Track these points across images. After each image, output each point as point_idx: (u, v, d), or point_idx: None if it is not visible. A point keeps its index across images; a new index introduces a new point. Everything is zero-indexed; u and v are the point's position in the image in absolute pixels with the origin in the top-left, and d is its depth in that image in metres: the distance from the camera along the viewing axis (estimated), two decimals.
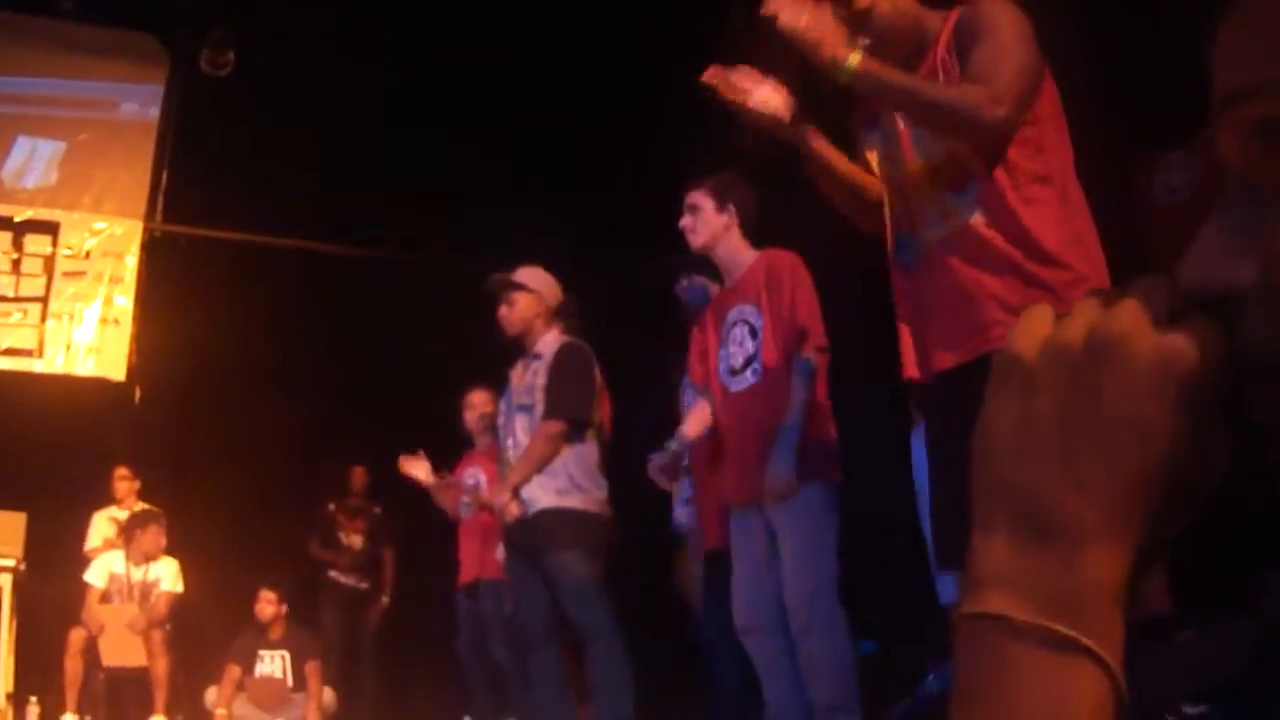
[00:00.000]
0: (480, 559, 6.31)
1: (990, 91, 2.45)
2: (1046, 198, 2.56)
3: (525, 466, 4.62)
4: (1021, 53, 2.50)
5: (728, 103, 2.83)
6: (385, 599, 8.20)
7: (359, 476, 8.45)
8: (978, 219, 2.59)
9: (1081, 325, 0.64)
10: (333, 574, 8.15)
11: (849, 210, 2.97)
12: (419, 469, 6.33)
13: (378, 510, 8.38)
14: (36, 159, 8.79)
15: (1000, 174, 2.55)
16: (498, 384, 5.24)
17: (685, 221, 4.07)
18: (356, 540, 8.30)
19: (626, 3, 7.23)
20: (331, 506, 8.33)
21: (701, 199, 4.04)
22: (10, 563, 7.03)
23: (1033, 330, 0.67)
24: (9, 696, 6.91)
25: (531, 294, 4.84)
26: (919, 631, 4.78)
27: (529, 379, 4.78)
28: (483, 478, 6.30)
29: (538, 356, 4.78)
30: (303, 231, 8.59)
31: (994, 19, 2.54)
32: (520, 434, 4.75)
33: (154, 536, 7.07)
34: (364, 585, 8.21)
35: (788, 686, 3.83)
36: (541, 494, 4.58)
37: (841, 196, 2.95)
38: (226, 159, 8.28)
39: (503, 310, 4.86)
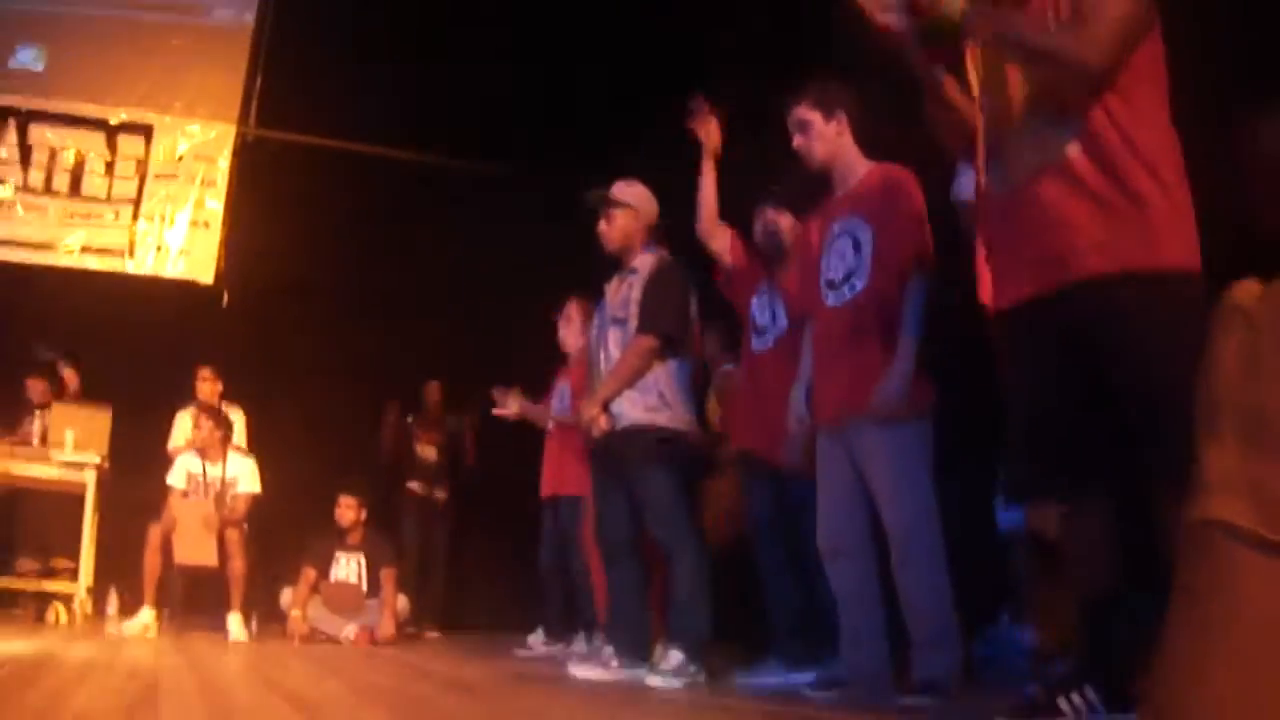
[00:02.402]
0: (561, 473, 6.33)
1: (1092, 41, 2.54)
2: (1142, 140, 2.58)
3: (615, 381, 4.58)
4: (1127, 2, 2.56)
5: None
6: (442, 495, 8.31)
7: (434, 391, 8.50)
8: (1073, 150, 2.61)
9: None
10: (410, 485, 8.25)
11: (945, 128, 2.98)
12: (511, 404, 6.36)
13: (454, 422, 8.44)
14: None
15: (1099, 112, 2.59)
16: (594, 297, 5.20)
17: (797, 141, 3.97)
18: (431, 453, 8.38)
19: None
20: (409, 419, 8.39)
21: (808, 113, 3.92)
22: (95, 459, 7.15)
23: (1248, 286, 0.81)
24: (89, 589, 7.05)
25: (630, 209, 4.78)
26: (986, 568, 4.72)
27: (624, 293, 4.72)
28: (568, 392, 6.30)
29: (634, 271, 4.72)
30: (393, 139, 8.56)
31: None
32: (613, 347, 4.69)
33: (229, 436, 7.13)
34: (440, 496, 8.30)
35: (870, 615, 3.78)
36: (630, 409, 4.55)
37: (941, 115, 2.95)
38: (320, 65, 8.28)
39: (601, 225, 4.81)
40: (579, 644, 6.17)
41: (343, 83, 8.14)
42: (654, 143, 5.55)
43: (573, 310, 6.39)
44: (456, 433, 8.46)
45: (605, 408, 4.57)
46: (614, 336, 4.71)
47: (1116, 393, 2.55)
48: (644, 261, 4.73)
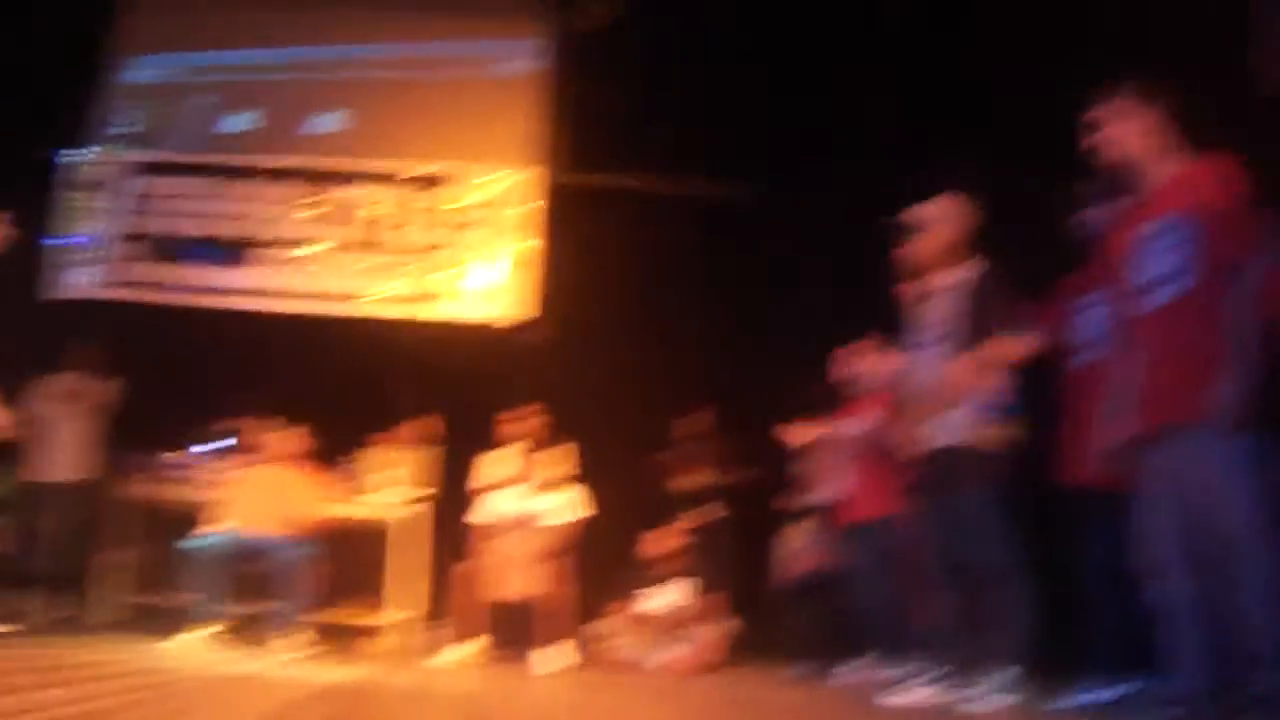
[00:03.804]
0: (869, 497, 6.25)
1: None
2: None
3: (938, 401, 4.50)
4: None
5: None
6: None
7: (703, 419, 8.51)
8: None
9: None
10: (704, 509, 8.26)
11: None
12: (798, 434, 6.34)
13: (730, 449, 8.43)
14: None
15: None
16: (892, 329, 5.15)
17: (1101, 135, 3.81)
18: (707, 476, 8.37)
19: None
20: (690, 447, 8.41)
21: (1118, 110, 3.77)
22: (423, 496, 7.56)
23: None
24: (415, 622, 7.40)
25: (939, 225, 4.72)
26: None
27: (942, 309, 4.64)
28: (864, 423, 6.23)
29: (950, 289, 4.64)
30: (690, 171, 8.68)
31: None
32: (931, 366, 4.62)
33: (554, 468, 7.34)
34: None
35: (1195, 631, 3.56)
36: (953, 428, 4.46)
37: None
38: (616, 108, 8.54)
39: (909, 246, 4.76)
40: (909, 668, 6.05)
41: (637, 123, 8.35)
42: (946, 170, 5.45)
43: (864, 346, 6.30)
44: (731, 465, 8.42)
45: (924, 429, 4.51)
46: (932, 355, 4.63)
47: None
48: (959, 276, 4.64)
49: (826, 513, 6.54)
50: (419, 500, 7.58)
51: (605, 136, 8.68)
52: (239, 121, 9.67)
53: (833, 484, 6.44)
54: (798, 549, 7.03)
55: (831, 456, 6.45)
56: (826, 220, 7.98)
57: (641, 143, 8.52)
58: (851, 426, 6.47)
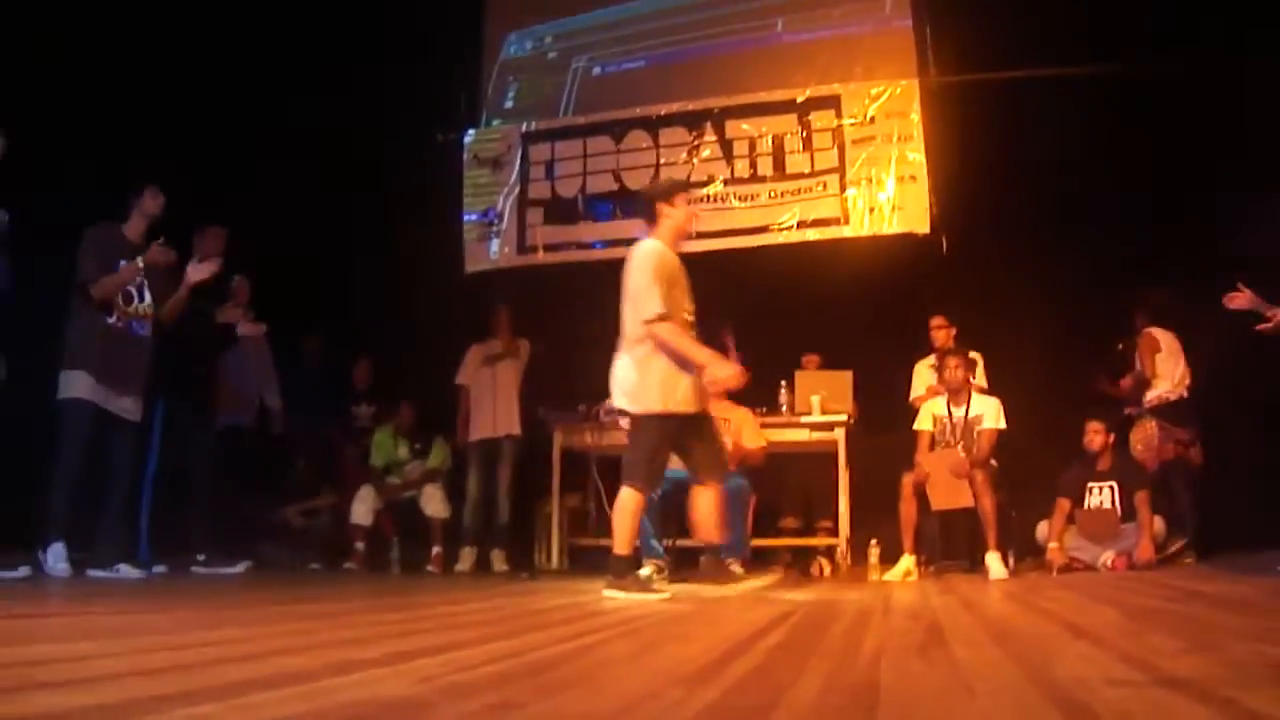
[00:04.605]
0: None
1: None
2: None
3: None
4: None
5: None
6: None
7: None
8: None
9: None
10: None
11: None
12: (1241, 300, 5.88)
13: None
14: None
15: None
16: None
17: None
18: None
19: None
20: (1120, 345, 7.92)
21: None
22: (842, 417, 7.59)
23: None
24: (848, 541, 7.45)
25: None
26: None
27: None
28: None
29: None
30: (1071, 58, 8.19)
31: None
32: None
33: (967, 375, 7.20)
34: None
35: None
36: None
37: None
38: (979, 2, 8.23)
39: None
40: None
41: (1008, 13, 7.97)
42: None
43: None
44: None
45: None
46: None
47: None
48: None
49: None
50: (849, 420, 7.60)
51: (982, 32, 8.35)
52: (619, 76, 9.94)
53: None
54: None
55: None
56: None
57: (1023, 32, 8.10)
58: None
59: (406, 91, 9.27)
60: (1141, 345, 7.67)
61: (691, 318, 5.33)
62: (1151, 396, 7.45)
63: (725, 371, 5.21)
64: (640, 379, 5.16)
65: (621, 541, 5.12)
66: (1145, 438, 7.44)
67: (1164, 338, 7.65)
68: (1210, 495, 7.29)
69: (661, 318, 5.07)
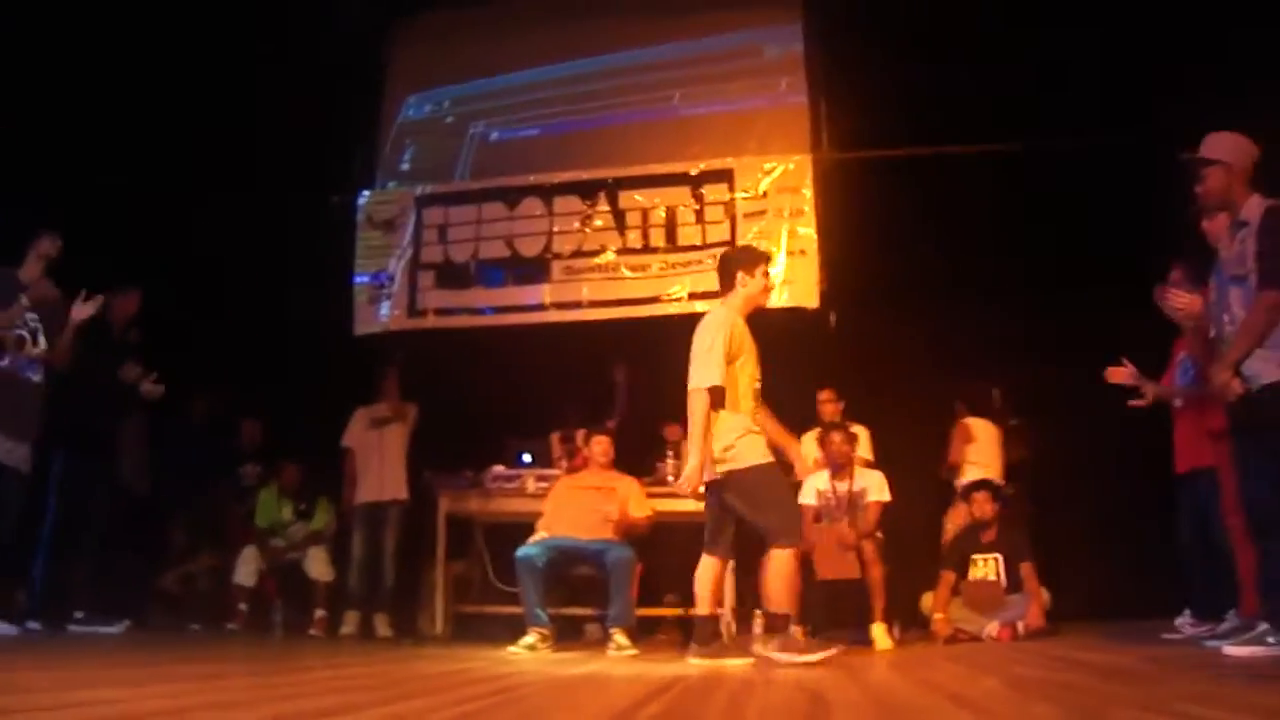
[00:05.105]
0: (1195, 447, 5.96)
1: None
2: None
3: (1244, 341, 4.36)
4: None
5: None
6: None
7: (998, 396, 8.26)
8: None
9: None
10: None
11: None
12: (1122, 375, 6.09)
13: (1014, 423, 8.18)
14: None
15: None
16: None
17: None
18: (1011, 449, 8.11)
19: None
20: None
21: None
22: None
23: None
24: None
25: (1222, 164, 4.53)
26: None
27: (1237, 248, 4.50)
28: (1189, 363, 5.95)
29: (1244, 224, 4.49)
30: (954, 137, 8.43)
31: None
32: (1235, 307, 4.49)
33: (850, 449, 7.28)
34: (1010, 492, 7.92)
35: None
36: (1264, 368, 4.32)
37: None
38: (873, 80, 8.45)
39: (1198, 188, 4.60)
40: (1229, 622, 5.70)
41: (899, 90, 8.22)
42: (1234, 91, 5.17)
43: (1175, 275, 5.96)
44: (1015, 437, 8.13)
45: (1236, 371, 4.34)
46: (1235, 295, 4.53)
47: None
48: (1250, 210, 4.48)
49: None
50: None
51: (875, 109, 8.55)
52: (516, 143, 9.97)
53: None
54: None
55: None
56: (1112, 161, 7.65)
57: (914, 111, 8.33)
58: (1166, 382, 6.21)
59: (302, 150, 9.19)
60: (955, 433, 7.96)
61: (758, 384, 5.38)
62: (964, 483, 7.65)
63: (688, 485, 5.27)
64: (726, 439, 5.18)
65: (781, 601, 5.19)
66: (956, 522, 7.66)
67: (980, 428, 7.95)
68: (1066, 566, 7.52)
69: (712, 391, 5.13)
